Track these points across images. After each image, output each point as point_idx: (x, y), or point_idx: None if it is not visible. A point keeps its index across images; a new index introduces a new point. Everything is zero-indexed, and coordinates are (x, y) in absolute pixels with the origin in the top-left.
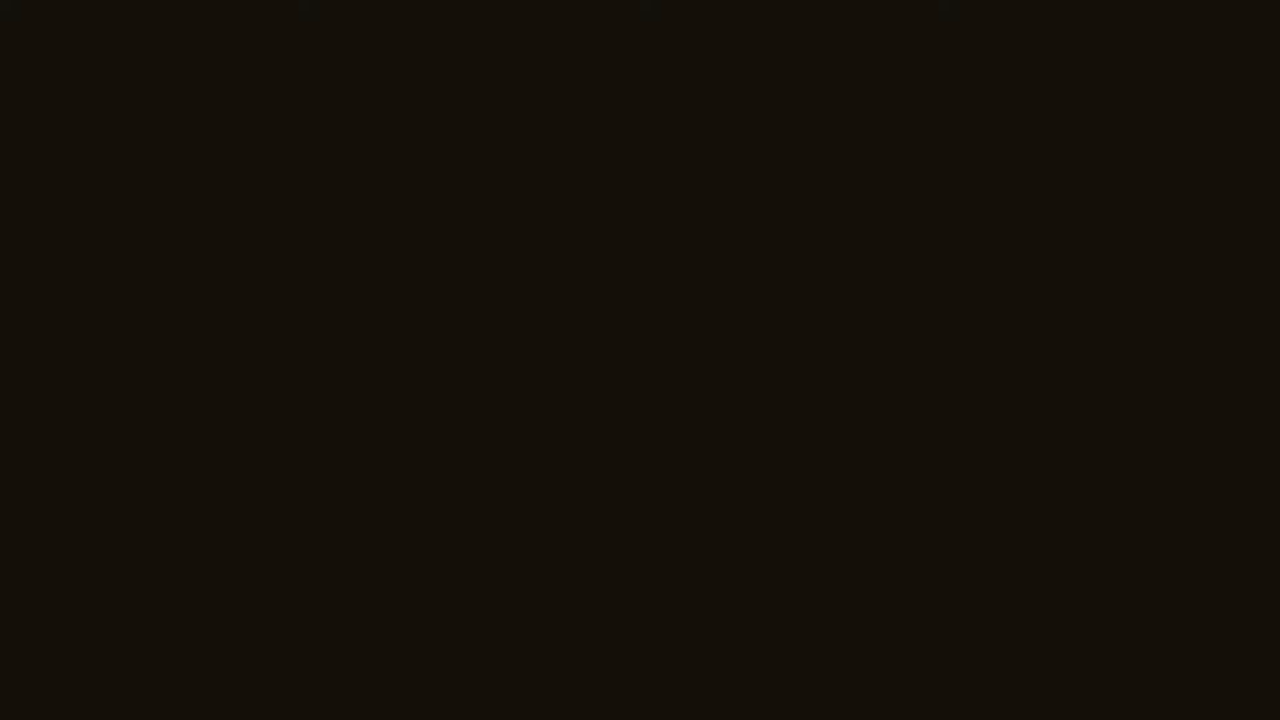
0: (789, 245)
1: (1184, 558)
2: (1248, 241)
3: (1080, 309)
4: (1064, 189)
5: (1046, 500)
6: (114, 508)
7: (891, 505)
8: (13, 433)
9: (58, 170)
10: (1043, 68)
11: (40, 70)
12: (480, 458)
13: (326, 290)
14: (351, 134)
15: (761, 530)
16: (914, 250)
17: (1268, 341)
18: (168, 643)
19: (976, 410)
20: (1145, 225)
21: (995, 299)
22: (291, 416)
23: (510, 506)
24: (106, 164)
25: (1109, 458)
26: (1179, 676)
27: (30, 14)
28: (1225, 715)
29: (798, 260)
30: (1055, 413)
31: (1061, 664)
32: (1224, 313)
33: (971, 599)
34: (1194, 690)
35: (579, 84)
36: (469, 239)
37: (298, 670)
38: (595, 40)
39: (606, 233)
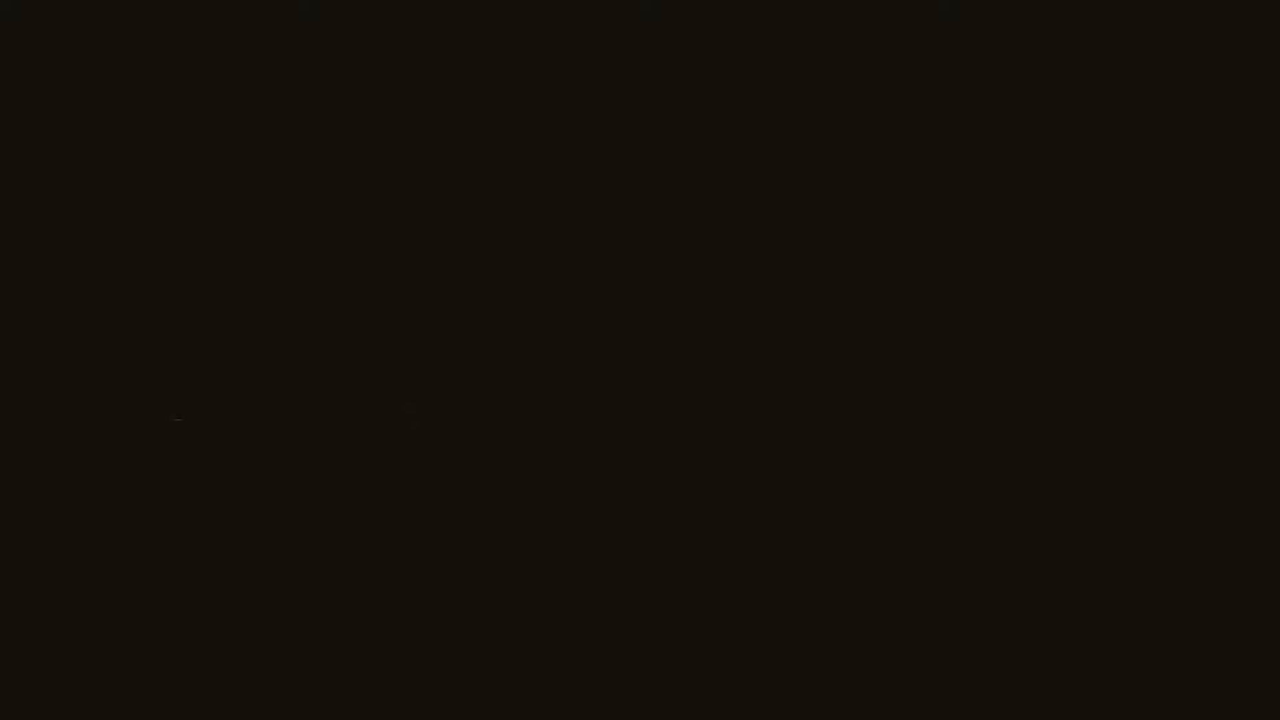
0: (789, 244)
1: (1184, 558)
2: (1248, 241)
3: (1080, 308)
4: (1064, 188)
5: (1047, 500)
6: (114, 507)
7: (892, 505)
8: (13, 433)
9: (58, 170)
10: (1043, 68)
11: (40, 70)
12: (480, 458)
13: (327, 288)
14: (351, 134)
15: (762, 530)
16: (914, 249)
17: (1268, 341)
18: (168, 643)
19: (977, 410)
20: (1145, 225)
21: (995, 298)
22: (292, 415)
23: (510, 506)
24: (107, 163)
25: (1109, 458)
26: (1179, 676)
27: (30, 14)
28: (1225, 715)
29: (798, 259)
30: (1055, 412)
31: (1062, 664)
32: (1224, 313)
33: (972, 599)
34: (1194, 690)
35: (579, 84)
36: (469, 238)
37: (298, 670)
38: (595, 40)
39: (607, 231)
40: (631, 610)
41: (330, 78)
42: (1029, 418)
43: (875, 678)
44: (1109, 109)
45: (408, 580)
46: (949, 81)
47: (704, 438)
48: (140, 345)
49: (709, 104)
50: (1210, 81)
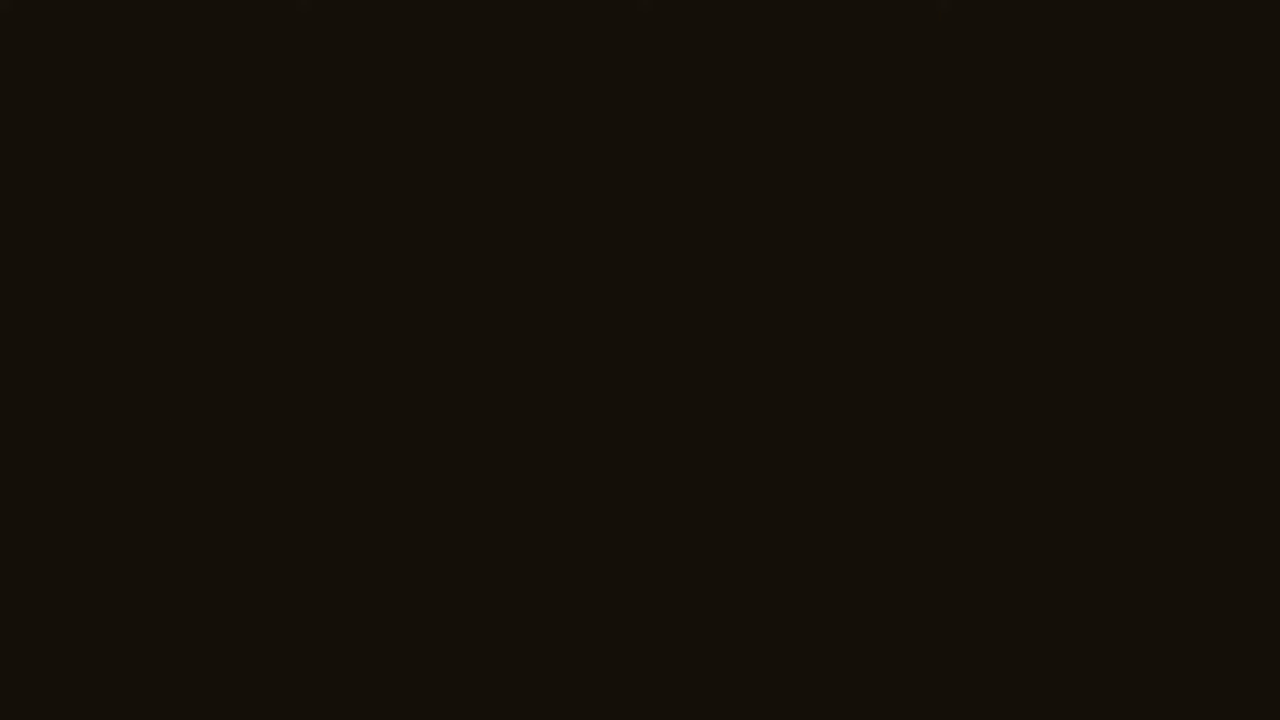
0: (788, 244)
1: (1184, 558)
2: (1248, 241)
3: (1080, 309)
4: (1064, 189)
5: (1046, 500)
6: (114, 507)
7: (892, 505)
8: (13, 433)
9: (58, 170)
10: (1043, 67)
11: (40, 70)
12: (480, 458)
13: (326, 289)
14: (351, 133)
15: (761, 530)
16: (914, 250)
17: (1268, 341)
18: (168, 642)
19: (976, 410)
20: (1145, 225)
21: (995, 298)
22: (292, 416)
23: (510, 507)
24: (106, 163)
25: (1109, 458)
26: (1179, 677)
27: (30, 14)
28: (1225, 715)
29: (797, 259)
30: (1055, 413)
31: (1062, 664)
32: (1224, 313)
33: (971, 599)
34: (1194, 690)
35: (579, 83)
36: (469, 237)
37: (298, 670)
38: (595, 40)
39: (606, 229)
40: (632, 610)
41: (330, 76)
42: (1029, 418)
43: (875, 678)
44: (1109, 109)
45: (407, 580)
46: (949, 81)
47: (706, 438)
48: (140, 345)
49: (707, 104)
50: (1211, 81)
